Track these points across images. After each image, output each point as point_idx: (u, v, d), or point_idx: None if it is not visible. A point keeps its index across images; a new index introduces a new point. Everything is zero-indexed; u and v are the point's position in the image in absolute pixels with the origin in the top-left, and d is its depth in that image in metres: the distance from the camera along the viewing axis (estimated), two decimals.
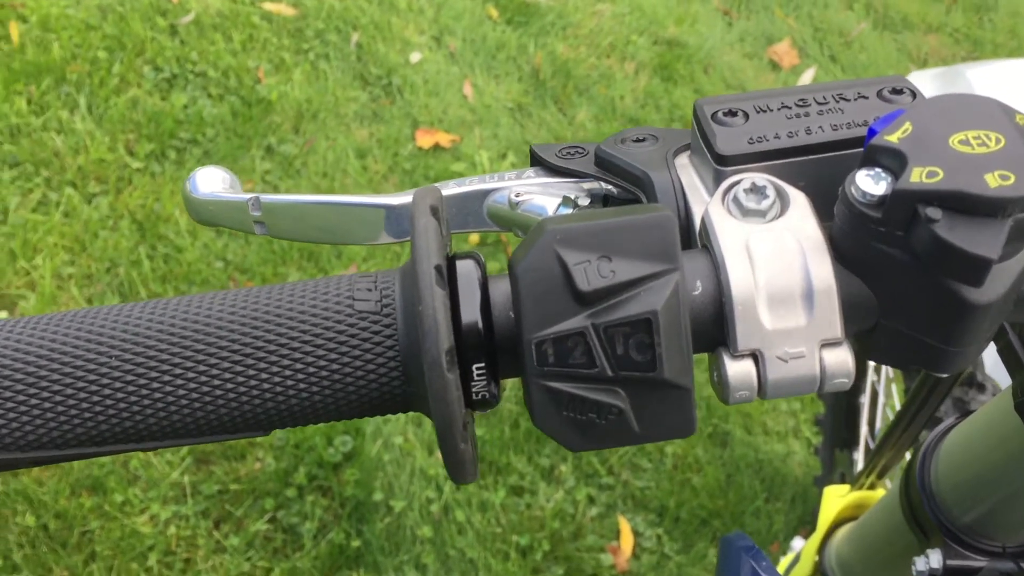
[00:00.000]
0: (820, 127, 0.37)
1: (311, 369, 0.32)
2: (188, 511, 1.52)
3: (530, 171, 0.44)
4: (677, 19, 2.52)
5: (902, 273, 0.32)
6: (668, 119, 2.25)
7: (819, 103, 0.38)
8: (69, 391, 0.32)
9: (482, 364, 0.32)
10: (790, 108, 0.38)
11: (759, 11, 2.64)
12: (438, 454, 1.62)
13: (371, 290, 0.33)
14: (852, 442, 1.38)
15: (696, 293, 0.32)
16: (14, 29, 2.10)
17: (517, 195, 0.42)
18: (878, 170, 0.32)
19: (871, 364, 1.33)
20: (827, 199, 0.34)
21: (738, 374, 0.32)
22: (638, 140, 0.42)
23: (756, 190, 0.34)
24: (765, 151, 0.37)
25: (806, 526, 1.63)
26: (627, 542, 1.58)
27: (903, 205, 0.31)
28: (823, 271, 0.32)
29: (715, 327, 0.32)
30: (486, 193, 0.44)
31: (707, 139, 0.38)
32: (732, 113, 0.38)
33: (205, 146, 1.99)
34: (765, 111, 0.38)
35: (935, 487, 0.59)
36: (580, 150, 0.44)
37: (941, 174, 0.30)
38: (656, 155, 0.41)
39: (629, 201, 0.41)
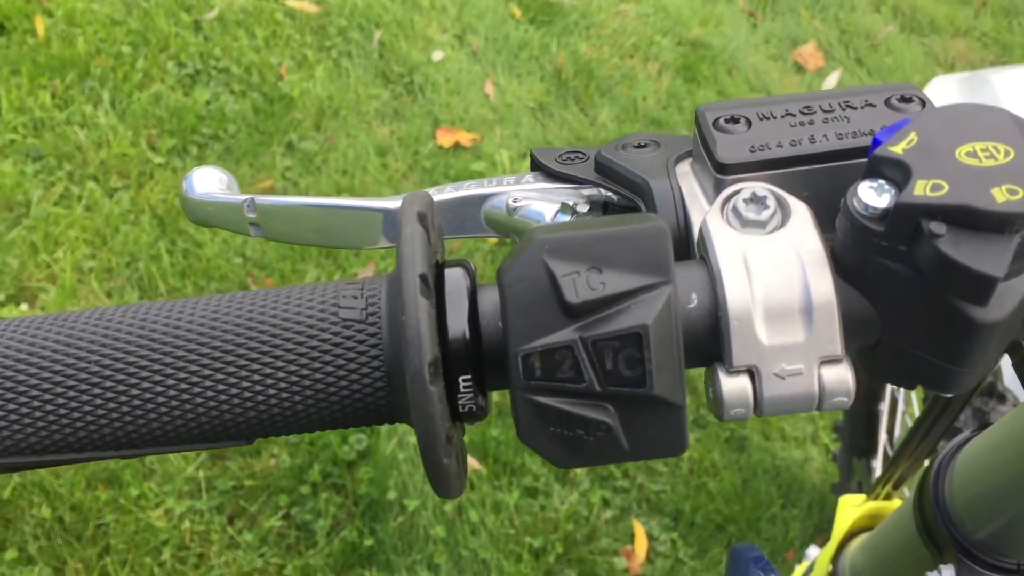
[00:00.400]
0: (825, 136, 0.36)
1: (294, 378, 0.32)
2: (203, 506, 1.52)
3: (529, 176, 0.43)
4: (702, 20, 2.50)
5: (905, 289, 0.31)
6: (690, 121, 2.24)
7: (825, 111, 0.37)
8: (46, 396, 0.31)
9: (468, 376, 0.32)
10: (794, 116, 0.37)
11: (785, 13, 2.62)
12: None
13: (357, 298, 0.32)
14: (870, 450, 1.37)
15: (691, 306, 0.31)
16: (40, 23, 2.11)
17: (515, 200, 0.41)
18: (881, 182, 0.31)
19: None
20: (831, 210, 0.33)
21: (733, 391, 0.31)
22: (639, 146, 0.41)
23: (756, 200, 0.33)
24: (767, 160, 0.36)
25: (822, 534, 1.61)
26: (641, 546, 1.57)
27: (906, 219, 0.30)
28: (823, 285, 0.31)
29: (710, 341, 0.31)
30: (484, 198, 0.43)
31: (707, 146, 0.37)
32: (734, 120, 0.37)
33: (227, 142, 2.00)
34: (768, 118, 0.37)
35: (949, 501, 0.58)
36: (581, 155, 0.43)
37: (946, 187, 0.29)
38: (657, 162, 0.40)
39: (629, 208, 0.40)
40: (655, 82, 2.32)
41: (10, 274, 1.74)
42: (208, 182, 0.46)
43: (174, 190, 1.89)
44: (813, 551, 1.31)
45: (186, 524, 1.51)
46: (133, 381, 0.31)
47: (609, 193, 0.41)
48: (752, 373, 0.31)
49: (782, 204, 0.33)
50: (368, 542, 1.51)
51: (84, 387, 0.31)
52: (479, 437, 1.63)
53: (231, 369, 0.31)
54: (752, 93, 2.37)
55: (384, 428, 1.62)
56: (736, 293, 0.31)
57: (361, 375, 0.32)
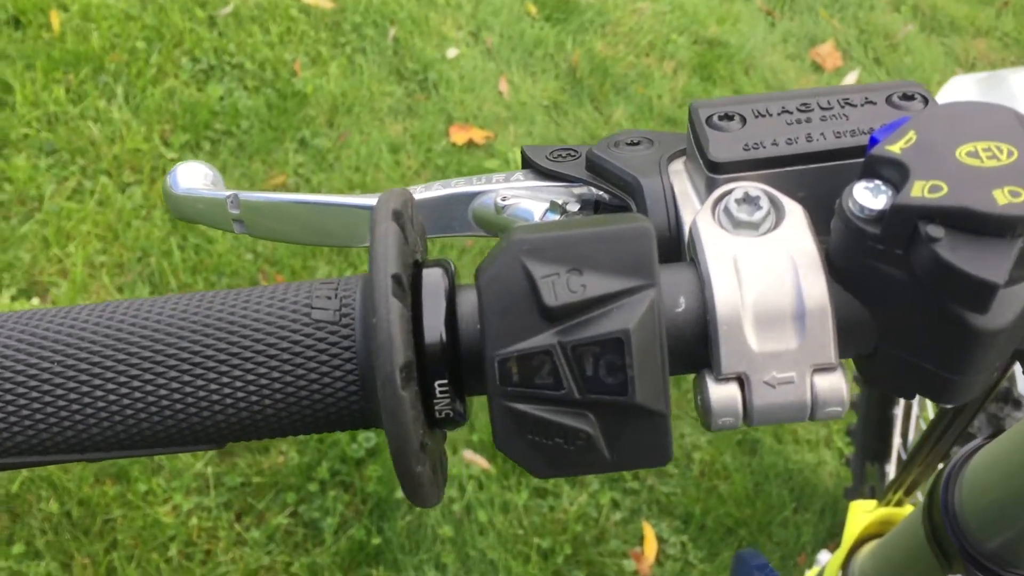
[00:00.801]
0: (822, 134, 0.35)
1: (263, 380, 0.30)
2: (210, 503, 1.52)
3: (519, 174, 0.42)
4: (719, 18, 2.48)
5: (902, 295, 0.29)
6: None
7: (823, 108, 0.35)
8: (8, 396, 0.30)
9: (445, 381, 0.30)
10: (791, 113, 0.35)
11: (803, 11, 2.59)
12: (463, 452, 1.61)
13: (331, 298, 0.31)
14: (883, 455, 1.35)
15: (679, 310, 0.30)
16: (55, 18, 2.11)
17: (503, 199, 0.40)
18: (878, 182, 0.29)
19: None
20: (828, 212, 0.31)
21: (722, 399, 0.30)
22: (632, 143, 0.40)
23: (749, 200, 0.32)
24: (761, 159, 0.34)
25: (834, 539, 1.59)
26: (651, 548, 1.56)
27: (903, 221, 0.28)
28: (817, 290, 0.29)
29: (698, 347, 0.30)
30: (472, 196, 0.42)
31: (700, 144, 0.35)
32: (728, 117, 0.35)
33: (239, 138, 1.99)
34: (764, 116, 0.35)
35: (959, 510, 0.56)
36: (573, 152, 0.41)
37: (945, 189, 0.28)
38: (649, 160, 0.38)
39: (620, 208, 0.39)
40: (671, 81, 2.30)
41: (22, 268, 1.74)
42: (192, 177, 0.45)
43: None
44: (824, 556, 1.29)
45: (194, 520, 1.50)
46: (97, 382, 0.30)
47: (601, 192, 0.40)
48: (741, 381, 0.30)
49: (776, 205, 0.32)
50: (376, 541, 1.50)
51: (47, 388, 0.30)
52: (488, 437, 1.62)
53: (198, 371, 0.30)
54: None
55: None
56: (725, 297, 0.30)
57: (334, 379, 0.30)
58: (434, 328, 0.30)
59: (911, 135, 0.30)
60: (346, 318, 0.31)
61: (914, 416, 1.31)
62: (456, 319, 0.31)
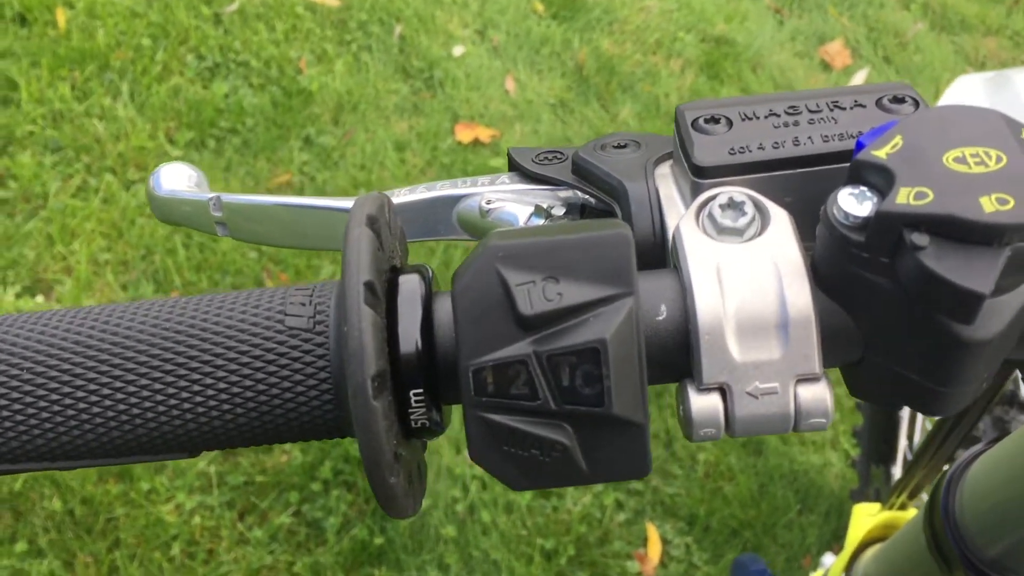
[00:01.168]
0: (809, 137, 0.34)
1: (235, 389, 0.30)
2: (213, 501, 1.52)
3: (505, 177, 0.41)
4: (726, 16, 2.47)
5: (888, 304, 0.28)
6: None
7: (811, 111, 0.35)
8: None
9: (420, 390, 0.29)
10: (779, 116, 0.34)
11: (812, 9, 2.58)
12: (466, 453, 1.60)
13: (305, 304, 0.30)
14: (889, 457, 1.34)
15: (660, 318, 0.29)
16: (61, 15, 2.11)
17: (488, 202, 0.39)
18: (863, 189, 0.29)
19: None
20: (815, 218, 0.30)
21: (703, 409, 0.29)
22: (619, 146, 0.39)
23: (733, 206, 0.31)
24: (747, 163, 0.33)
25: (840, 541, 1.58)
26: (655, 550, 1.55)
27: (887, 229, 0.27)
28: (801, 299, 0.29)
29: (680, 357, 0.29)
30: (457, 199, 0.41)
31: (685, 148, 0.34)
32: (714, 120, 0.34)
33: (244, 136, 1.99)
34: (751, 119, 0.34)
35: (959, 516, 0.55)
36: (559, 155, 0.41)
37: (931, 195, 0.27)
38: (635, 163, 0.37)
39: (606, 212, 0.38)
40: (678, 79, 2.29)
41: (26, 266, 1.74)
42: (176, 179, 0.44)
43: None
44: (829, 559, 1.28)
45: (196, 519, 1.50)
46: (67, 390, 0.29)
47: (587, 196, 0.39)
48: (724, 391, 0.29)
49: (761, 210, 0.31)
50: (378, 541, 1.50)
51: (14, 396, 0.29)
52: None
53: (169, 379, 0.29)
54: (777, 91, 2.33)
55: None
56: (707, 306, 0.29)
57: (307, 387, 0.30)
58: (409, 336, 0.29)
59: (897, 140, 0.29)
60: (320, 325, 0.30)
61: (920, 418, 1.30)
62: (432, 327, 0.30)
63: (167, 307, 0.31)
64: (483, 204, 0.39)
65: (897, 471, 1.33)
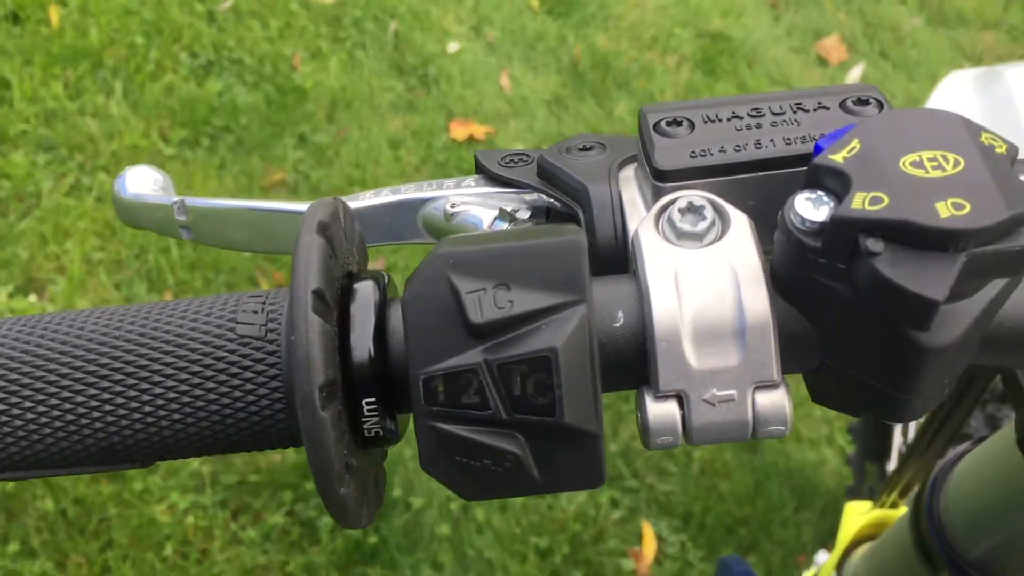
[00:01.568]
0: (771, 140, 0.33)
1: (186, 399, 0.29)
2: (207, 501, 1.51)
3: (471, 180, 0.41)
4: (722, 11, 2.46)
5: (846, 310, 0.28)
6: None
7: (775, 113, 0.34)
8: None
9: (373, 399, 0.29)
10: (741, 118, 0.34)
11: (808, 4, 2.57)
12: None
13: (257, 312, 0.30)
14: (883, 454, 1.33)
15: (617, 325, 0.29)
16: (54, 13, 2.11)
17: (453, 206, 0.39)
18: (820, 193, 0.28)
19: None
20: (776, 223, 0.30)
21: (660, 417, 0.28)
22: (584, 149, 0.38)
23: (693, 210, 0.30)
24: (708, 166, 0.33)
25: (835, 539, 1.58)
26: (650, 547, 1.54)
27: (843, 235, 0.27)
28: (758, 305, 0.28)
29: (638, 363, 0.29)
30: (422, 202, 0.40)
31: (647, 151, 0.34)
32: (676, 123, 0.34)
33: (238, 133, 1.99)
34: (713, 121, 0.34)
35: (944, 518, 0.55)
36: (525, 158, 0.40)
37: (886, 200, 0.26)
38: (599, 166, 0.37)
39: (570, 216, 0.37)
40: (673, 75, 2.28)
41: (19, 265, 1.73)
42: (141, 182, 0.43)
43: (184, 182, 1.88)
44: (822, 556, 1.27)
45: (189, 519, 1.49)
46: (14, 400, 0.29)
47: (551, 199, 0.38)
48: (680, 399, 0.28)
49: (721, 215, 0.30)
50: (372, 540, 1.49)
51: None
52: None
53: (119, 388, 0.29)
54: (773, 87, 2.33)
55: None
56: (664, 312, 0.28)
57: (259, 396, 0.29)
58: (362, 345, 0.29)
59: (855, 144, 0.28)
60: (272, 333, 0.30)
61: None
62: (385, 334, 0.29)
63: (118, 315, 0.30)
64: (448, 208, 0.39)
65: (891, 468, 1.33)
